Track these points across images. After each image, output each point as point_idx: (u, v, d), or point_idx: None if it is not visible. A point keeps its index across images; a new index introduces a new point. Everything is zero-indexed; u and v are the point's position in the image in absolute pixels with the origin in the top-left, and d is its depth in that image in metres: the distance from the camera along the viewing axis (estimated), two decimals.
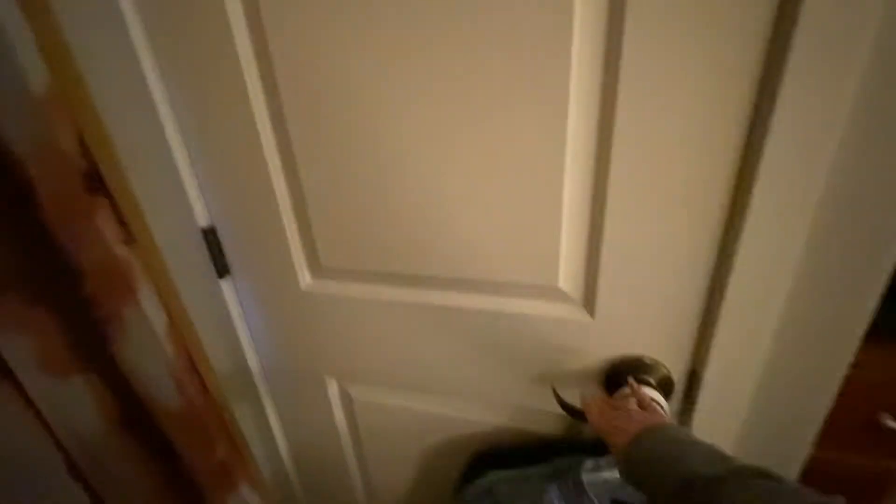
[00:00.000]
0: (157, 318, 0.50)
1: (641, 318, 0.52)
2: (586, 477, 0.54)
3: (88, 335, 0.44)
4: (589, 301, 0.53)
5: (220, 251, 0.66)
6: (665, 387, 0.53)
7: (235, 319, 0.71)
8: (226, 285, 0.69)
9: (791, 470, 0.57)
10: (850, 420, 0.89)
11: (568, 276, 0.53)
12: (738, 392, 0.52)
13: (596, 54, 0.41)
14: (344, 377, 0.74)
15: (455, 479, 0.72)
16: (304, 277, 0.65)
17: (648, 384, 0.52)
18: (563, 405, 0.55)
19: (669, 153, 0.42)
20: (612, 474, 0.55)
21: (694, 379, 0.53)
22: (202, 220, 0.63)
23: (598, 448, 0.57)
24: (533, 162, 0.47)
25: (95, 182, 0.43)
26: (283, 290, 0.67)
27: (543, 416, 0.63)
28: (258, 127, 0.54)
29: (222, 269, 0.67)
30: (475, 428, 0.69)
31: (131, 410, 0.49)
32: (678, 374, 0.53)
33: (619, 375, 0.54)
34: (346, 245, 0.60)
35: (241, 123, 0.55)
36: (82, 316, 0.43)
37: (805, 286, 0.45)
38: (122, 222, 0.45)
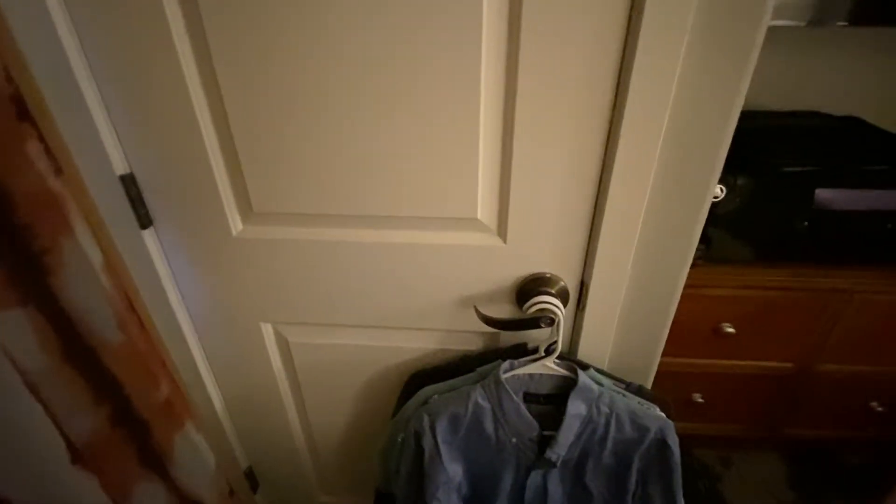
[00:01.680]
0: (93, 254, 0.49)
1: (543, 241, 0.63)
2: (504, 376, 0.65)
3: (26, 267, 0.43)
4: (502, 229, 0.63)
5: (142, 201, 0.65)
6: (563, 296, 0.66)
7: (160, 271, 0.70)
8: (149, 236, 0.68)
9: (651, 362, 0.73)
10: (699, 329, 1.13)
11: (484, 208, 0.62)
12: (614, 297, 0.65)
13: (502, 12, 0.49)
14: (279, 321, 0.77)
15: (391, 404, 0.80)
16: (236, 224, 0.67)
17: (550, 294, 0.64)
18: (485, 319, 0.65)
19: (561, 95, 0.52)
20: (525, 371, 0.67)
21: (583, 288, 0.66)
22: (120, 168, 0.62)
23: (512, 353, 0.69)
24: (452, 109, 0.54)
25: (23, 108, 0.42)
26: (213, 239, 0.68)
27: (467, 335, 0.73)
28: (182, 66, 0.54)
29: (144, 220, 0.66)
30: (407, 355, 0.77)
31: (73, 344, 0.48)
32: (572, 285, 0.66)
33: (527, 290, 0.66)
34: (277, 189, 0.63)
35: (163, 62, 0.54)
36: (19, 246, 0.42)
37: (651, 214, 0.58)
38: (50, 153, 0.44)
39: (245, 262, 0.70)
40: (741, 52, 0.48)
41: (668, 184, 0.56)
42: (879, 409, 1.21)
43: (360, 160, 0.59)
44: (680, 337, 1.16)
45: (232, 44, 0.53)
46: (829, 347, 1.14)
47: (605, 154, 0.55)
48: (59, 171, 0.45)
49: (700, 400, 1.26)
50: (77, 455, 0.52)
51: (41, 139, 0.43)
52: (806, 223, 0.97)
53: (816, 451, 1.38)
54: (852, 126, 1.15)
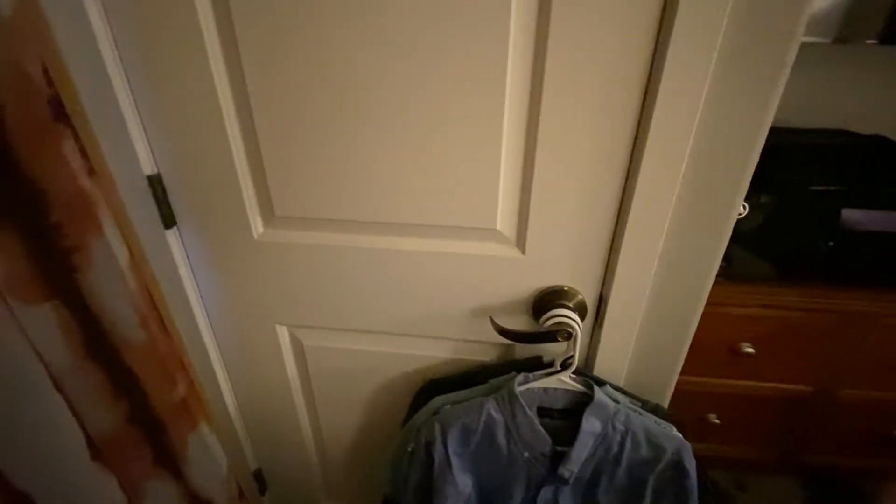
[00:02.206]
0: (120, 253, 0.50)
1: (562, 253, 0.62)
2: (518, 389, 0.65)
3: (55, 263, 0.44)
4: (521, 240, 0.63)
5: (167, 201, 0.66)
6: (580, 310, 0.65)
7: (181, 271, 0.71)
8: (172, 236, 0.69)
9: (668, 380, 0.71)
10: (717, 348, 1.11)
11: (504, 219, 0.62)
12: (633, 313, 0.64)
13: (530, 24, 0.50)
14: (295, 324, 0.78)
15: (403, 412, 0.80)
16: (258, 227, 0.68)
17: (567, 307, 0.63)
18: (500, 330, 0.64)
19: (586, 109, 0.52)
20: (539, 385, 0.66)
21: (602, 302, 0.65)
22: (148, 168, 0.63)
23: (527, 366, 0.68)
24: (476, 119, 0.55)
25: (60, 110, 0.43)
26: (234, 241, 0.69)
27: (482, 346, 0.73)
28: (212, 69, 0.55)
29: (168, 220, 0.67)
30: (420, 363, 0.77)
31: (96, 341, 0.49)
32: (590, 299, 0.65)
33: (544, 302, 0.65)
34: (299, 194, 0.64)
35: (194, 65, 0.55)
36: (49, 243, 0.43)
37: (674, 230, 0.57)
38: (84, 154, 0.45)
39: (264, 264, 0.70)
40: (770, 72, 0.48)
41: (693, 201, 0.56)
42: None
43: (381, 167, 0.60)
44: (697, 355, 1.14)
45: (261, 50, 0.54)
46: (850, 372, 1.11)
47: (629, 170, 0.55)
48: (91, 171, 0.46)
49: (716, 421, 1.23)
50: (96, 451, 0.52)
51: (76, 139, 0.44)
52: (831, 243, 0.95)
53: (834, 479, 1.33)
54: (880, 145, 1.12)
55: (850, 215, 0.91)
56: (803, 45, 1.10)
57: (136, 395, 0.56)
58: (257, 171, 0.63)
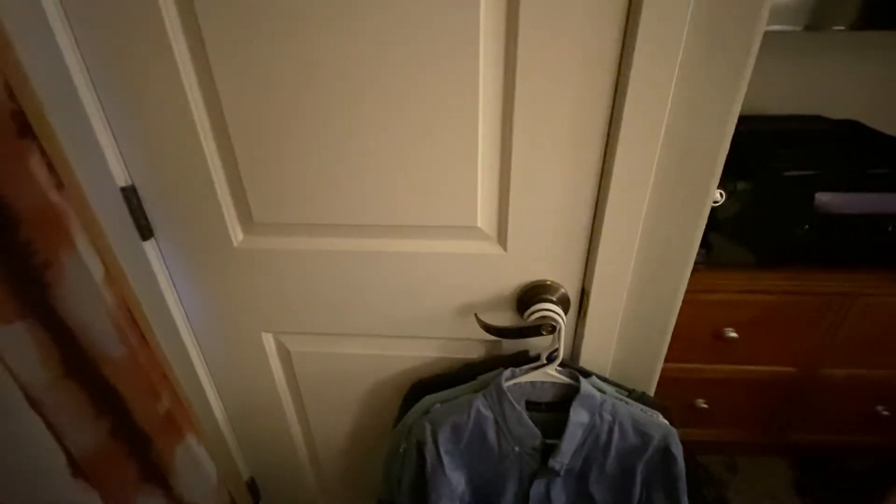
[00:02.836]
0: (94, 267, 0.49)
1: (544, 248, 0.63)
2: (506, 384, 0.65)
3: (27, 281, 0.43)
4: (502, 236, 0.63)
5: (143, 213, 0.65)
6: (563, 303, 0.65)
7: (161, 282, 0.70)
8: (150, 248, 0.68)
9: (653, 368, 0.72)
10: (701, 334, 1.13)
11: (484, 216, 0.62)
12: (615, 304, 0.65)
13: (499, 21, 0.50)
14: (280, 331, 0.77)
15: (393, 413, 0.80)
16: (237, 235, 0.67)
17: (551, 301, 0.64)
18: (485, 327, 0.64)
19: (559, 102, 0.52)
20: (527, 379, 0.66)
21: (584, 294, 0.66)
22: (121, 180, 0.62)
23: (514, 361, 0.68)
24: (451, 116, 0.54)
25: (24, 125, 0.42)
26: (214, 250, 0.68)
27: (469, 343, 0.73)
28: (181, 76, 0.54)
29: (145, 232, 0.66)
30: (408, 364, 0.77)
31: (74, 358, 0.48)
32: (573, 292, 0.66)
33: (528, 297, 0.66)
34: (277, 199, 0.63)
35: (162, 72, 0.54)
36: (20, 261, 0.42)
37: (651, 220, 0.58)
38: (52, 168, 0.44)
39: (246, 272, 0.70)
40: (737, 59, 0.48)
41: (668, 190, 0.57)
42: (885, 413, 1.20)
43: (359, 169, 0.59)
44: (682, 342, 1.16)
45: (231, 54, 0.53)
46: (832, 351, 1.13)
47: (604, 161, 0.55)
48: (60, 185, 0.45)
49: (704, 406, 1.25)
50: (78, 468, 0.51)
51: (42, 153, 0.43)
52: (807, 227, 0.97)
53: (822, 457, 1.36)
54: (851, 130, 1.15)
55: (824, 199, 0.93)
56: (776, 34, 1.12)
57: (119, 411, 0.55)
58: (233, 179, 0.63)
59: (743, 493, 1.31)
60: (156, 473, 0.65)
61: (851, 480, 1.33)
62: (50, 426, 0.46)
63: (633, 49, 0.47)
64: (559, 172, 0.57)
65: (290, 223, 0.65)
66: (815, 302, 1.06)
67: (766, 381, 1.20)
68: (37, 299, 0.44)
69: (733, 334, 1.11)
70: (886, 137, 1.08)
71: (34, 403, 0.45)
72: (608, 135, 0.54)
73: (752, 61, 0.49)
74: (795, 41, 1.16)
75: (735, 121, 0.52)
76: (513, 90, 0.52)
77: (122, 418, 0.56)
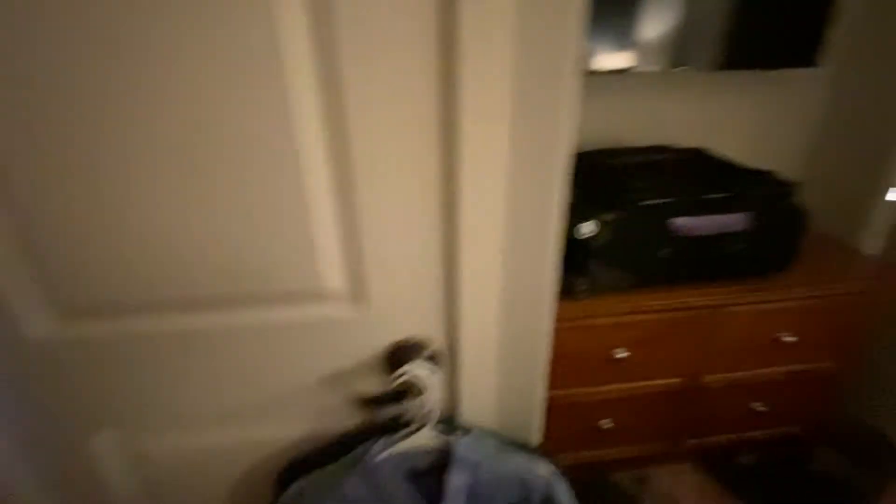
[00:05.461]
0: None
1: (405, 303, 0.59)
2: (379, 458, 0.60)
3: None
4: (358, 295, 0.59)
5: None
6: (435, 359, 0.62)
7: None
8: None
9: (534, 404, 0.71)
10: (594, 358, 1.16)
11: (330, 274, 0.57)
12: (486, 352, 0.63)
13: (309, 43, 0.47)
14: (122, 432, 0.65)
15: (268, 499, 0.70)
16: (30, 325, 0.56)
17: (420, 360, 0.60)
18: (365, 401, 0.59)
19: (393, 144, 0.50)
20: (408, 445, 0.61)
21: (454, 347, 0.63)
22: None
23: (392, 424, 0.63)
24: (269, 167, 0.49)
25: None
26: (7, 347, 0.56)
27: (341, 413, 0.67)
28: None
29: None
30: (276, 446, 0.69)
31: None
32: (442, 346, 0.63)
33: (397, 357, 0.61)
34: (81, 278, 0.53)
35: None
36: None
37: (509, 262, 0.58)
38: None
39: (55, 369, 0.58)
40: (553, 111, 0.50)
41: (517, 234, 0.57)
42: (761, 408, 1.32)
43: (170, 233, 0.52)
44: (577, 368, 1.19)
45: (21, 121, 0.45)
46: (710, 359, 1.23)
47: (450, 214, 0.54)
48: None
49: (609, 425, 1.28)
50: None
51: None
52: (668, 250, 1.05)
53: (719, 455, 1.45)
54: (697, 157, 1.29)
55: (677, 223, 1.02)
56: (631, 73, 1.22)
57: None
58: (35, 263, 0.52)
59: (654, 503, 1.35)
60: None
61: (742, 475, 1.43)
62: None
63: (457, 109, 0.47)
64: (406, 220, 0.54)
65: (102, 303, 0.55)
66: (687, 316, 1.14)
67: (658, 393, 1.26)
68: None
69: (623, 354, 1.16)
70: (724, 164, 1.23)
71: None
72: (448, 173, 0.52)
73: (565, 116, 0.50)
74: (654, 80, 1.31)
75: (564, 166, 0.54)
76: (346, 133, 0.49)
77: None
